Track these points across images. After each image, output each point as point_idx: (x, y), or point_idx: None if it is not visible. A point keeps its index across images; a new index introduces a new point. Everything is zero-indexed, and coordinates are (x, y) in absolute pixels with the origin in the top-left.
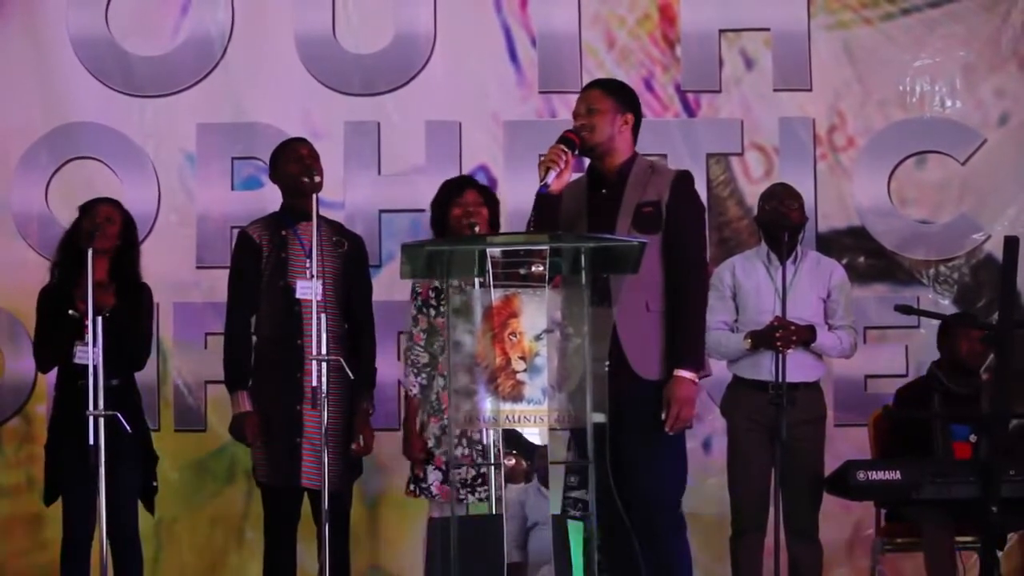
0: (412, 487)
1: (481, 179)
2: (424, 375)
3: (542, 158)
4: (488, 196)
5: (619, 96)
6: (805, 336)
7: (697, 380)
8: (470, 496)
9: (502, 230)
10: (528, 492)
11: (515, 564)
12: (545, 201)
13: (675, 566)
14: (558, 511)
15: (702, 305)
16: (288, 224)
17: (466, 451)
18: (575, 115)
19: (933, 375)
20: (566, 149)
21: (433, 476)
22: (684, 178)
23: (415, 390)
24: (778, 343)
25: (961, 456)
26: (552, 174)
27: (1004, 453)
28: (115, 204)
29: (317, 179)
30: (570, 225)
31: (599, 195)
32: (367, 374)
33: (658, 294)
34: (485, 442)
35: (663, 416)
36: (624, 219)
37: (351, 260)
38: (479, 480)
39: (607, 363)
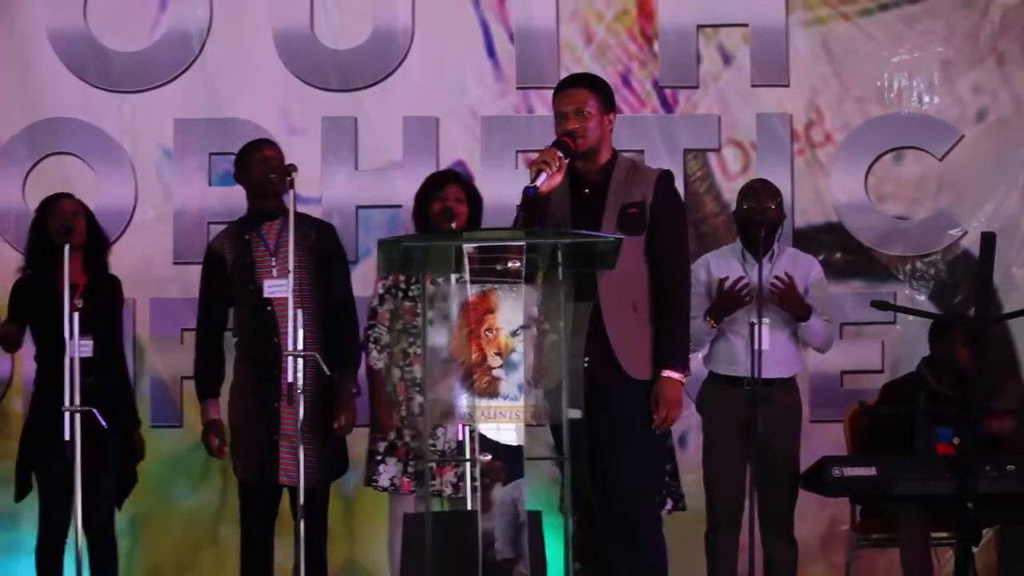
0: (371, 479)
1: None
2: (387, 355)
3: (534, 158)
4: (470, 192)
5: (603, 95)
6: (802, 309)
7: (684, 380)
8: (419, 489)
9: (480, 226)
10: (520, 489)
11: (507, 560)
12: (533, 202)
13: (651, 561)
14: (538, 507)
15: (687, 306)
16: (252, 227)
17: (422, 444)
18: (562, 115)
19: (921, 374)
20: (561, 155)
21: (395, 469)
22: (667, 178)
23: (381, 364)
24: (745, 297)
25: None
26: (543, 176)
27: (982, 448)
28: (74, 198)
29: (293, 176)
30: (556, 226)
31: (582, 195)
32: (350, 354)
33: (644, 294)
34: (437, 436)
35: (653, 416)
36: (609, 220)
37: (319, 249)
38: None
39: (586, 359)
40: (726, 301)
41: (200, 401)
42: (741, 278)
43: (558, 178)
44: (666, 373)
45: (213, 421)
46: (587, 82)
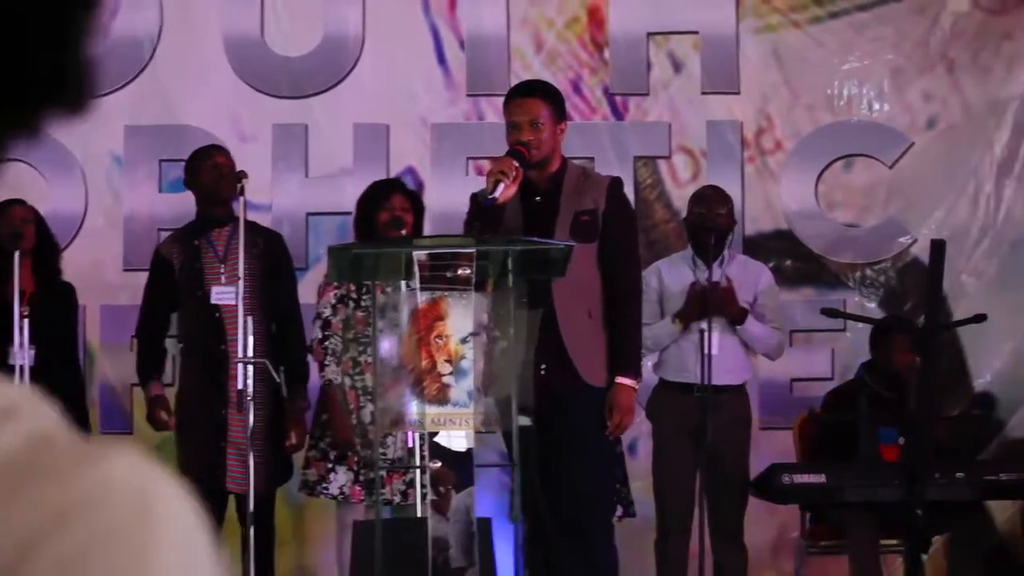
0: (319, 487)
1: (408, 182)
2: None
3: (491, 168)
4: (415, 201)
5: (556, 104)
6: (737, 313)
7: (636, 387)
8: (369, 497)
9: (427, 233)
10: (473, 496)
11: (460, 568)
12: (489, 212)
13: (604, 566)
14: (488, 514)
15: (639, 312)
16: (201, 233)
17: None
18: (515, 125)
19: (861, 378)
20: (517, 165)
21: (345, 477)
22: (618, 185)
23: (339, 378)
24: (706, 302)
25: (889, 459)
26: (501, 186)
27: (930, 455)
28: (25, 205)
29: (243, 182)
30: (508, 234)
31: (533, 203)
32: (298, 368)
33: (598, 302)
34: (387, 444)
35: (607, 422)
36: (562, 228)
37: (269, 258)
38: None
39: (543, 367)
40: (692, 308)
41: (143, 386)
42: (717, 283)
43: (513, 188)
44: (620, 380)
45: (158, 396)
46: (539, 91)
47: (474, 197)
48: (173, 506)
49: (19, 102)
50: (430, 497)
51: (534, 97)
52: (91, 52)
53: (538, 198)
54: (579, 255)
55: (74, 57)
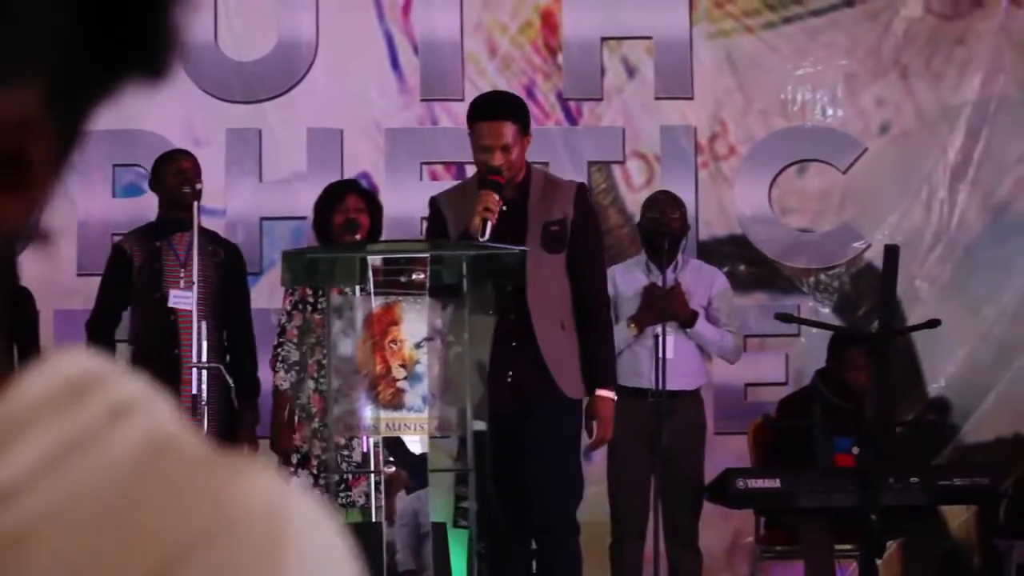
0: None
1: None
2: (293, 373)
3: (476, 208)
4: (371, 202)
5: (523, 120)
6: (686, 315)
7: (615, 397)
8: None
9: (383, 238)
10: (421, 500)
11: (410, 571)
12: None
13: (569, 569)
14: (443, 519)
15: (611, 321)
16: (162, 235)
17: (332, 455)
18: (485, 148)
19: (815, 386)
20: (497, 198)
21: (306, 481)
22: (584, 192)
23: (286, 385)
24: (662, 306)
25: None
26: (489, 224)
27: (885, 461)
28: None
29: (198, 187)
30: None
31: (501, 214)
32: (248, 384)
33: (570, 312)
34: (352, 447)
35: (591, 434)
36: (533, 239)
37: (227, 269)
38: (341, 485)
39: (509, 374)
40: (647, 311)
41: None
42: (678, 284)
43: (495, 218)
44: (601, 392)
45: None
46: (505, 112)
47: (433, 201)
48: (312, 531)
49: (105, 68)
50: (383, 501)
51: (502, 120)
52: (178, 17)
53: (505, 207)
54: (550, 265)
55: (162, 22)
